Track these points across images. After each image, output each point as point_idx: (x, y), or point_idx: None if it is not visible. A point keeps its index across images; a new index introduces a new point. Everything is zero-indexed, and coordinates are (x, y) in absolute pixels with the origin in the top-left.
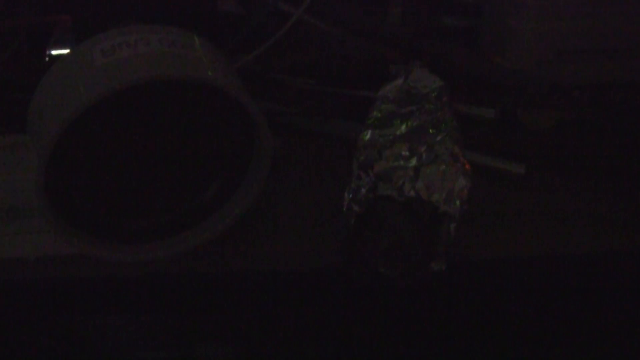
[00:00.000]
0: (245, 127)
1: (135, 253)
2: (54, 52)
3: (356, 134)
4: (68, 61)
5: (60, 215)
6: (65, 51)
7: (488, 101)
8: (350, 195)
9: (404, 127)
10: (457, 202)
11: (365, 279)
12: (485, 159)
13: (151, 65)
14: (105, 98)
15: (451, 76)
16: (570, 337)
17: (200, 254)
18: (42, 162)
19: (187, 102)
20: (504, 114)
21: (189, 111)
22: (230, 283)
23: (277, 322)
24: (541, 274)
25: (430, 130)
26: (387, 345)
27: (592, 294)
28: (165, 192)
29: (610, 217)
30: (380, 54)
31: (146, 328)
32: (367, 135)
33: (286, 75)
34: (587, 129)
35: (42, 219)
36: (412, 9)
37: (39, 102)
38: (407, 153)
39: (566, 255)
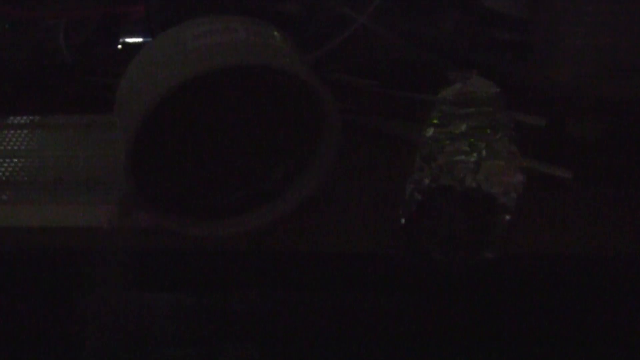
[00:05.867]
0: (316, 114)
1: (205, 228)
2: (128, 40)
3: (416, 134)
4: (160, 43)
5: (141, 189)
6: (138, 40)
7: (537, 112)
8: (412, 185)
9: (463, 126)
10: (514, 195)
11: (421, 265)
12: (533, 163)
13: (241, 51)
14: (194, 79)
15: (503, 87)
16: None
17: (266, 234)
18: (130, 137)
19: (264, 88)
20: (553, 124)
21: (264, 97)
22: (291, 263)
23: (335, 302)
24: (584, 273)
25: (488, 131)
26: (439, 329)
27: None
28: (236, 172)
29: None
30: (437, 62)
31: (210, 303)
32: (430, 132)
33: (350, 76)
34: (634, 141)
35: (120, 192)
36: (465, 22)
37: (131, 80)
38: (467, 149)
39: (607, 257)
